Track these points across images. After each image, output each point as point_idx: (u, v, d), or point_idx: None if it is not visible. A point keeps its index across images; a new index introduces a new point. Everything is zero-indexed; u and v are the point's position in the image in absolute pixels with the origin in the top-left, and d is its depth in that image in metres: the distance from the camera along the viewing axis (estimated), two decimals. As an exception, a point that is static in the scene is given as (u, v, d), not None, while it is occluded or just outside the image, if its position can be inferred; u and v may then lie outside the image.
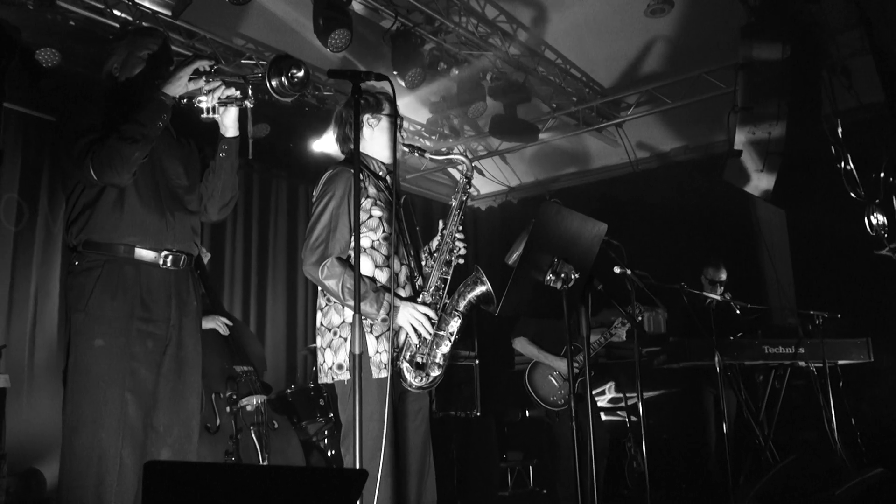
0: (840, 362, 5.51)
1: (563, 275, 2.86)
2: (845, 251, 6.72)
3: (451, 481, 5.85)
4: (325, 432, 5.74)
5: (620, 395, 6.45)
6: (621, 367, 7.10)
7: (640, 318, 5.31)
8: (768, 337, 5.55)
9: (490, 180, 9.14)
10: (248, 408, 4.54)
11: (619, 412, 7.26)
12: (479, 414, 6.72)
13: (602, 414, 6.98)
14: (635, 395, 5.69)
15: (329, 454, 5.71)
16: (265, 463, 4.53)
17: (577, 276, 2.88)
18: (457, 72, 6.59)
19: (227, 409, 4.45)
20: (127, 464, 2.70)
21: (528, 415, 7.46)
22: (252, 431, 4.50)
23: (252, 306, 7.38)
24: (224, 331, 4.53)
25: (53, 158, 6.09)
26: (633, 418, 6.64)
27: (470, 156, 3.42)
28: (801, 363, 5.51)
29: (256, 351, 4.84)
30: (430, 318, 3.13)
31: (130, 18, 5.57)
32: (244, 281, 7.37)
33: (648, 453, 4.52)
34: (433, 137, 8.11)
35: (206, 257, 4.69)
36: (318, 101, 7.09)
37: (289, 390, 5.79)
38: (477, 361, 6.90)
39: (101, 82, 2.99)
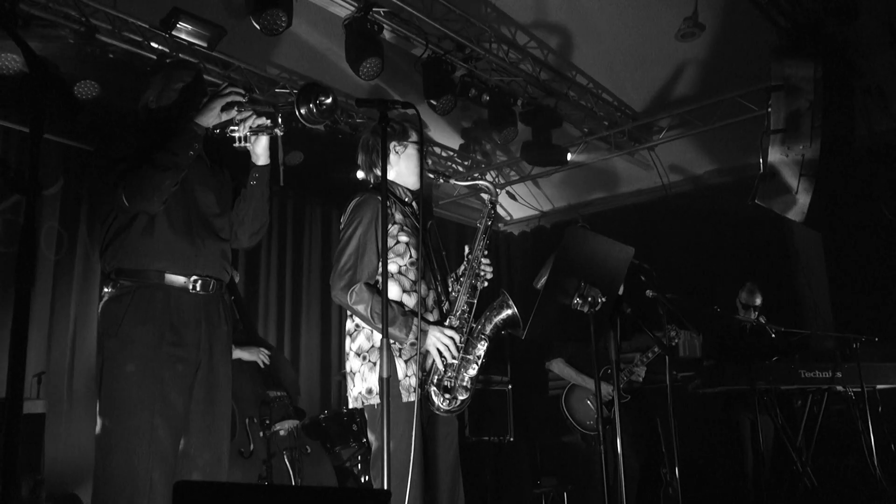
0: (879, 387, 5.39)
1: (589, 298, 2.86)
2: (883, 273, 6.61)
3: (484, 506, 5.82)
4: (359, 457, 5.75)
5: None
6: (653, 393, 7.01)
7: (675, 342, 5.26)
8: (805, 361, 5.45)
9: (522, 205, 9.15)
10: (282, 433, 4.57)
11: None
12: (512, 439, 6.68)
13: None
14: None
15: (363, 479, 5.72)
16: (297, 487, 4.55)
17: (603, 299, 2.88)
18: (488, 98, 6.63)
19: (261, 433, 4.49)
20: (157, 488, 2.73)
21: (563, 440, 7.41)
22: (285, 456, 4.54)
23: (286, 332, 7.44)
24: (264, 362, 4.59)
25: (92, 188, 6.23)
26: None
27: (493, 182, 3.45)
28: (839, 388, 5.40)
29: (290, 376, 4.89)
30: (455, 342, 3.15)
31: (167, 50, 5.72)
32: (278, 307, 7.44)
33: (684, 479, 4.45)
34: (465, 163, 8.17)
35: (236, 277, 4.77)
36: (350, 129, 7.19)
37: (322, 416, 5.81)
38: (510, 386, 6.87)
39: (137, 114, 3.08)
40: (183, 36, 5.59)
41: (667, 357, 4.24)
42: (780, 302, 6.61)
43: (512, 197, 8.62)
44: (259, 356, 4.68)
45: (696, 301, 5.43)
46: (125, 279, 2.83)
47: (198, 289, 2.90)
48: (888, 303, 6.34)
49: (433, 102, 6.19)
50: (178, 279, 2.87)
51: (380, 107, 2.66)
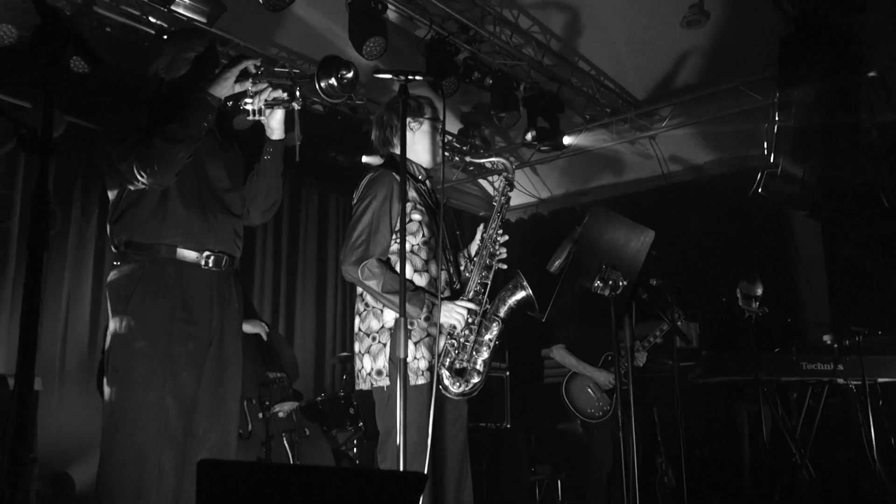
0: (880, 380, 5.38)
1: (611, 281, 2.81)
2: (883, 265, 6.61)
3: (481, 493, 5.79)
4: (355, 441, 5.71)
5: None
6: (651, 382, 7.00)
7: (679, 325, 5.24)
8: (807, 353, 5.43)
9: (521, 192, 9.09)
10: (281, 414, 4.52)
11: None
12: (509, 426, 6.65)
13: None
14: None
15: (357, 463, 5.68)
16: (296, 471, 4.50)
17: (624, 283, 2.82)
18: (491, 81, 6.55)
19: (260, 415, 4.43)
20: (166, 468, 2.66)
21: (558, 428, 7.39)
22: (284, 438, 4.48)
23: (281, 314, 7.39)
24: (266, 335, 4.52)
25: (89, 164, 6.13)
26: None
27: (512, 160, 3.39)
28: (840, 380, 5.39)
29: (289, 357, 4.83)
30: (469, 310, 3.09)
31: (165, 25, 5.61)
32: (273, 289, 7.37)
33: (680, 469, 4.43)
34: (464, 148, 8.10)
35: None
36: (350, 110, 7.10)
37: (319, 398, 5.76)
38: (508, 373, 6.84)
39: (146, 83, 2.98)
40: (181, 11, 5.48)
41: (675, 345, 4.20)
42: (779, 292, 6.60)
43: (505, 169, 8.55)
44: (260, 328, 4.61)
45: (696, 290, 5.40)
46: (135, 253, 2.75)
47: (210, 265, 2.82)
48: (888, 295, 6.34)
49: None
50: (191, 254, 2.79)
51: (399, 78, 2.58)
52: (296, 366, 4.93)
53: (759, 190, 5.80)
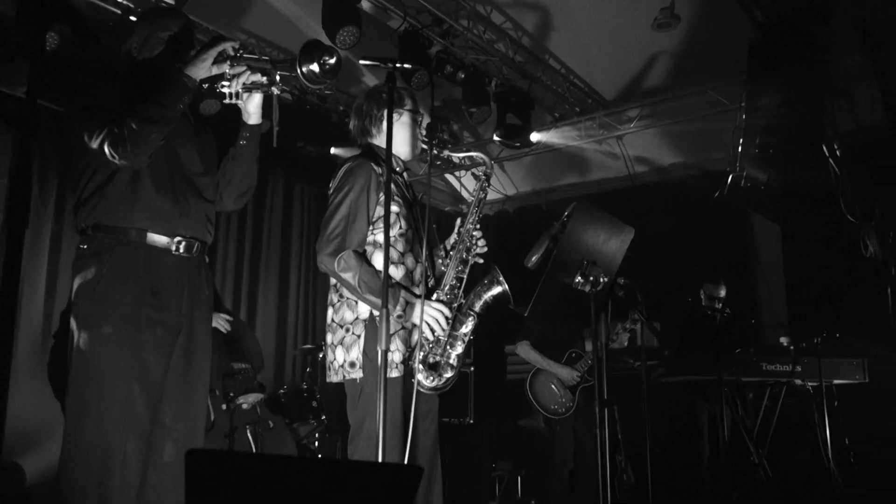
0: (836, 382, 5.49)
1: (591, 277, 2.80)
2: (840, 271, 6.73)
3: (442, 488, 5.78)
4: (317, 435, 5.64)
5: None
6: (613, 380, 7.05)
7: (638, 325, 5.30)
8: (767, 354, 5.51)
9: (491, 175, 9.07)
10: (245, 406, 4.45)
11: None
12: (472, 421, 6.65)
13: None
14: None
15: (319, 457, 5.62)
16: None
17: (605, 279, 2.82)
18: (463, 76, 6.52)
19: (223, 406, 4.35)
20: (130, 457, 2.60)
21: (519, 424, 7.40)
22: (247, 430, 4.41)
23: (243, 304, 7.26)
24: (225, 328, 4.43)
25: (46, 144, 5.94)
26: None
27: (489, 157, 3.37)
28: (798, 381, 5.49)
29: (254, 349, 4.75)
30: (444, 315, 3.07)
31: (132, 6, 5.47)
32: (235, 278, 7.25)
33: (640, 466, 4.46)
34: (433, 142, 8.04)
35: None
36: (319, 100, 7.02)
37: (281, 391, 5.68)
38: (472, 368, 6.83)
39: (118, 61, 2.89)
40: (150, -10, 5.35)
41: (642, 344, 4.23)
42: (739, 294, 6.70)
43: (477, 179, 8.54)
44: (218, 321, 4.51)
45: (661, 290, 5.45)
46: (103, 235, 2.66)
47: (181, 250, 2.75)
48: (844, 299, 6.46)
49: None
50: (161, 239, 2.72)
51: (386, 65, 2.53)
52: (261, 357, 4.86)
53: (726, 195, 5.88)
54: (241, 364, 4.52)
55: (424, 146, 3.24)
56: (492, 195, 9.31)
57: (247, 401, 4.44)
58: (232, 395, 4.35)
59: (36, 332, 5.86)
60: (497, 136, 7.10)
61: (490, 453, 6.75)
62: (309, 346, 6.50)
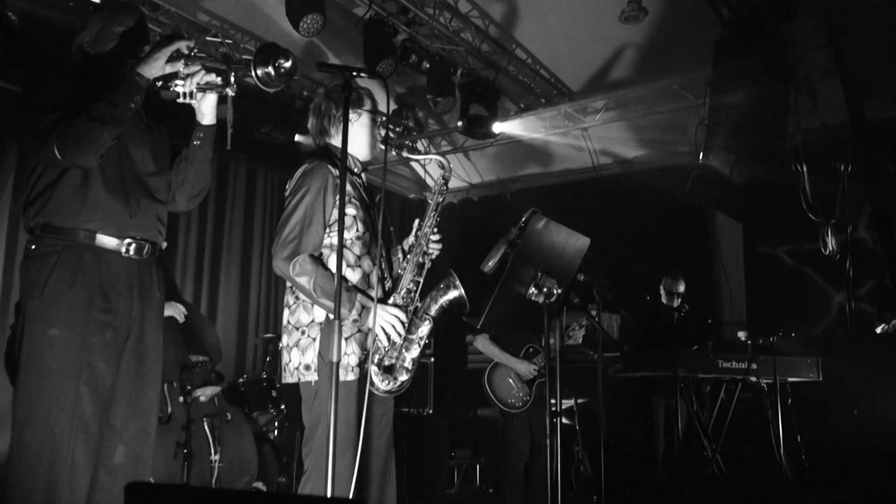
0: (790, 379, 5.59)
1: (545, 289, 2.81)
2: (798, 270, 6.85)
3: (400, 477, 5.80)
4: (276, 423, 5.64)
5: (571, 400, 6.46)
6: (572, 372, 7.11)
7: (588, 324, 5.34)
8: (723, 351, 5.59)
9: (453, 177, 9.06)
10: (202, 398, 4.41)
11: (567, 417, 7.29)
12: (431, 412, 6.67)
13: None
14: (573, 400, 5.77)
15: (279, 447, 5.62)
16: (216, 454, 4.42)
17: (559, 290, 2.83)
18: (428, 66, 6.48)
19: (181, 399, 4.31)
20: (79, 461, 2.57)
21: (478, 414, 7.44)
22: (205, 423, 4.38)
23: (204, 293, 7.18)
24: (181, 318, 4.39)
25: (1, 124, 5.79)
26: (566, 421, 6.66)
27: (448, 159, 3.36)
28: (753, 378, 5.58)
29: (212, 340, 4.71)
30: (400, 320, 3.07)
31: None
32: (196, 266, 7.15)
33: (595, 458, 4.50)
34: (397, 129, 7.98)
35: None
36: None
37: (241, 380, 5.66)
38: (432, 359, 6.84)
39: (70, 55, 2.82)
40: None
41: (599, 338, 4.27)
42: (699, 289, 6.77)
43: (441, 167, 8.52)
44: (175, 310, 4.46)
45: (621, 284, 5.49)
46: (52, 237, 2.61)
47: (131, 252, 2.71)
48: (802, 298, 6.57)
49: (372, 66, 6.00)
50: (111, 241, 2.67)
51: (344, 74, 2.50)
52: (219, 349, 4.81)
53: (689, 190, 5.93)
54: (200, 356, 4.48)
55: (384, 146, 3.21)
56: (456, 183, 9.31)
57: (204, 393, 4.40)
58: (189, 387, 4.31)
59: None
60: (460, 126, 7.07)
61: (449, 442, 6.79)
62: (270, 335, 6.46)
